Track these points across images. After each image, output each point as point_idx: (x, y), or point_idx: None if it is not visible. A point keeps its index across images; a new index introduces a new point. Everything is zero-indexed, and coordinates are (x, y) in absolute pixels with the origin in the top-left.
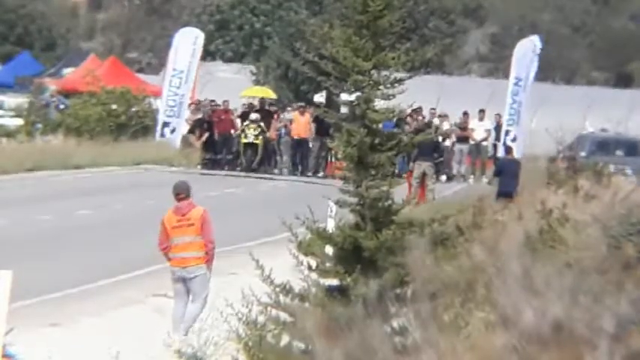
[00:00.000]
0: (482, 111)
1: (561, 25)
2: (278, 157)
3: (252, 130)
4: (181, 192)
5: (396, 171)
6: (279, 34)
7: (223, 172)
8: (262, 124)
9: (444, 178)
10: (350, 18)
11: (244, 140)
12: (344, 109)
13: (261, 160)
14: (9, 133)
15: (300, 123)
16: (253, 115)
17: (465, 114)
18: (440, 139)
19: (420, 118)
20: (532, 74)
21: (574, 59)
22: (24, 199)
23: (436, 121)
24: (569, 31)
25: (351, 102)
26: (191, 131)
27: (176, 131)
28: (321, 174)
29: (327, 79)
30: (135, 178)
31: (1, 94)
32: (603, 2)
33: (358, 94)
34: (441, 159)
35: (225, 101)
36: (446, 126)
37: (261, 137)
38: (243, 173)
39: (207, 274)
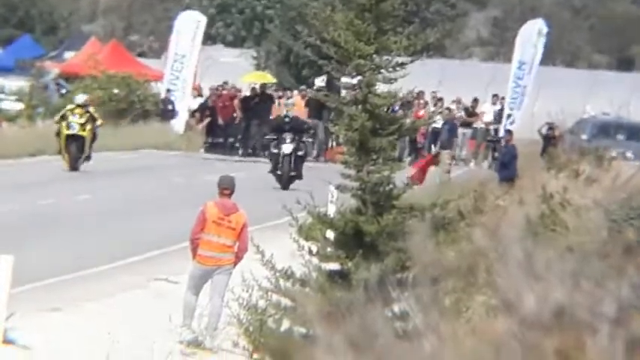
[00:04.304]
0: (495, 95)
1: (562, 7)
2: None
3: (77, 117)
4: (227, 187)
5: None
6: (281, 18)
7: (225, 157)
8: (91, 109)
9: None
10: (352, 1)
11: (67, 131)
12: (345, 93)
13: (88, 156)
14: (10, 118)
15: (301, 107)
16: (80, 98)
17: (475, 100)
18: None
19: (422, 101)
20: (538, 58)
21: (575, 42)
22: (25, 184)
23: (452, 106)
24: (570, 13)
25: (353, 86)
26: (192, 115)
27: (177, 115)
28: (321, 158)
29: (329, 62)
30: (136, 163)
31: (2, 78)
32: None
33: (360, 78)
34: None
35: (232, 87)
36: (458, 111)
37: (89, 127)
38: (246, 158)
39: (232, 272)
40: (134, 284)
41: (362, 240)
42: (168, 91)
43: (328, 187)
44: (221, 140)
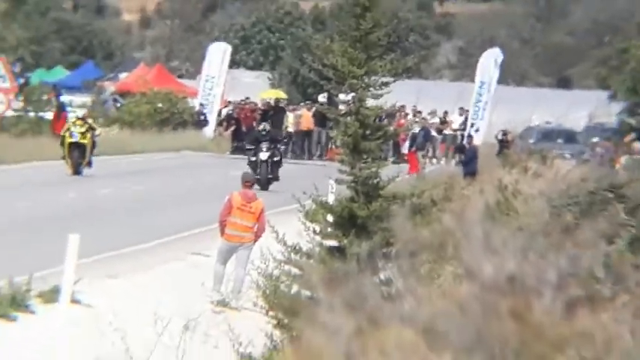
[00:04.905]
0: (461, 108)
1: (513, 39)
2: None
3: (78, 127)
4: (248, 180)
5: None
6: (290, 47)
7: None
8: (90, 120)
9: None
10: (346, 34)
11: (70, 140)
12: (342, 107)
13: (89, 162)
14: None
15: (307, 118)
16: (80, 112)
17: (446, 112)
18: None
19: (403, 114)
20: (495, 79)
21: (523, 66)
22: (89, 178)
23: (428, 116)
24: (519, 43)
25: (348, 101)
26: (220, 124)
27: (209, 124)
28: (323, 158)
29: (329, 82)
30: (175, 162)
31: (70, 95)
32: (546, 21)
33: (353, 94)
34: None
35: (252, 102)
36: (433, 120)
37: (88, 135)
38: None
39: (252, 248)
40: (175, 257)
41: (355, 222)
42: (202, 105)
43: (329, 180)
44: (243, 144)
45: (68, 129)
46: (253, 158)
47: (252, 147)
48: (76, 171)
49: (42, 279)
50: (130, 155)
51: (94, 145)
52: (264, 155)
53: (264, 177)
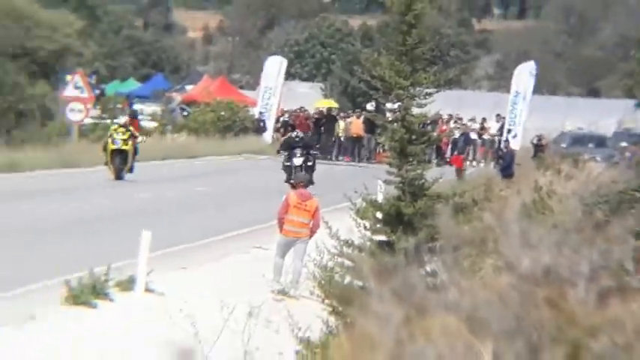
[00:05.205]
0: (498, 115)
1: (547, 53)
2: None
3: (120, 134)
4: (302, 181)
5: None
6: (341, 61)
7: None
8: (131, 128)
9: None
10: (393, 49)
11: (112, 147)
12: (389, 114)
13: (130, 168)
14: (147, 133)
15: (357, 125)
16: (122, 119)
17: (484, 119)
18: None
19: (445, 120)
20: (530, 89)
21: (556, 77)
22: (158, 180)
23: (468, 123)
24: (552, 56)
25: (394, 109)
26: (277, 130)
27: (267, 130)
28: (372, 161)
29: (377, 92)
30: (237, 164)
31: (141, 104)
32: (577, 37)
33: (399, 103)
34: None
35: (306, 110)
36: (473, 126)
37: (130, 142)
38: (325, 160)
39: (308, 242)
40: (238, 250)
41: (402, 219)
42: (261, 113)
43: (377, 181)
44: None
45: (111, 136)
46: (287, 163)
47: (286, 153)
48: (118, 176)
49: (118, 270)
50: (194, 159)
51: (135, 151)
52: (297, 160)
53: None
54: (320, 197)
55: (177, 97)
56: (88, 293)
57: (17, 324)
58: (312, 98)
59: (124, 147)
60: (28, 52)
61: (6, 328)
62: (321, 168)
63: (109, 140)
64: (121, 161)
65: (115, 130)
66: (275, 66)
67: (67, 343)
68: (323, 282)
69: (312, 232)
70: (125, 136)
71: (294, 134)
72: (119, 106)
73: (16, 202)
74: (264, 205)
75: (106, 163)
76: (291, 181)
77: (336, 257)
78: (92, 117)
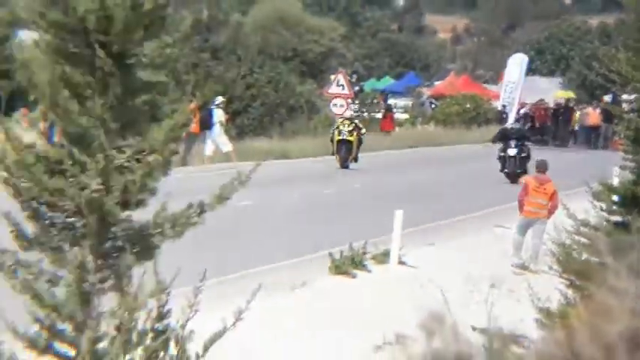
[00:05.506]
0: None
1: None
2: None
3: (346, 126)
4: (540, 167)
5: None
6: (579, 57)
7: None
8: (357, 121)
9: None
10: (629, 46)
11: (338, 137)
12: (625, 105)
13: (355, 157)
14: (400, 123)
15: (593, 115)
16: (347, 113)
17: None
18: None
19: None
20: None
21: None
22: (406, 165)
23: None
24: None
25: (630, 100)
26: (518, 121)
27: (508, 121)
28: (608, 149)
29: (614, 85)
30: (480, 152)
31: (395, 99)
32: None
33: (636, 95)
34: None
35: (545, 102)
36: None
37: (355, 134)
38: (554, 147)
39: (547, 222)
40: (482, 229)
41: (637, 202)
42: (503, 106)
43: (613, 167)
44: (538, 136)
45: (337, 127)
46: (502, 154)
47: (502, 143)
48: (343, 165)
49: (374, 245)
50: (441, 147)
51: (360, 142)
52: (512, 151)
53: (512, 171)
54: (558, 182)
55: (426, 92)
56: (348, 264)
57: (291, 288)
58: (551, 91)
59: (349, 138)
60: (298, 54)
61: (282, 291)
62: (559, 155)
63: (336, 132)
64: (346, 151)
65: (342, 122)
66: (517, 62)
67: (331, 304)
68: (561, 258)
69: (550, 213)
70: (350, 128)
71: (509, 126)
72: (375, 100)
73: (288, 186)
74: (504, 188)
75: (332, 153)
76: (505, 171)
77: (573, 236)
78: (352, 111)
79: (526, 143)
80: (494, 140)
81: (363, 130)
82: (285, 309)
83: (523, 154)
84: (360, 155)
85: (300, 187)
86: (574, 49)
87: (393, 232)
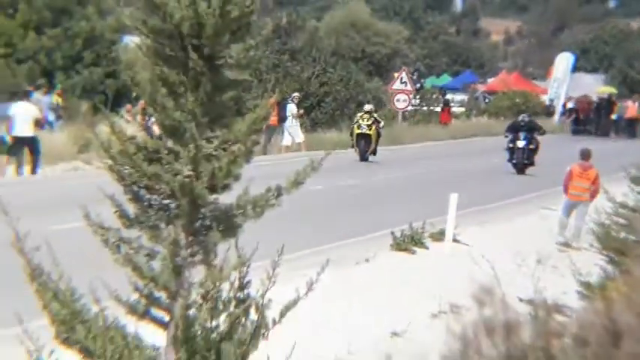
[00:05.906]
0: None
1: None
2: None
3: (365, 120)
4: (584, 155)
5: None
6: (622, 56)
7: (583, 137)
8: (375, 115)
9: None
10: None
11: (358, 131)
12: None
13: (374, 150)
14: (456, 116)
15: (632, 109)
16: (367, 107)
17: None
18: None
19: None
20: None
21: None
22: (463, 153)
23: None
24: None
25: None
26: (563, 114)
27: (555, 114)
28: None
29: None
30: None
31: (452, 94)
32: None
33: None
34: None
35: (588, 97)
36: None
37: (374, 127)
38: (596, 137)
39: (589, 205)
40: (528, 211)
41: None
42: (551, 100)
43: None
44: (581, 127)
45: (357, 121)
46: (511, 145)
47: (511, 135)
48: (362, 158)
49: (431, 224)
50: (494, 137)
51: (379, 135)
52: (520, 143)
53: (520, 162)
54: (599, 168)
55: (481, 88)
56: (408, 242)
57: (356, 264)
58: (595, 87)
59: (368, 132)
60: (366, 55)
61: (346, 267)
62: (600, 144)
63: (355, 126)
64: (365, 144)
65: (361, 116)
66: (564, 60)
67: (393, 277)
68: (601, 237)
69: (593, 197)
70: (369, 122)
71: (519, 118)
72: (434, 96)
73: (353, 173)
74: (551, 170)
75: (352, 146)
76: (513, 162)
77: (612, 217)
78: (413, 105)
79: (535, 135)
80: (506, 134)
81: (382, 124)
82: (351, 281)
83: (531, 146)
84: (409, 146)
85: (363, 174)
86: (617, 49)
87: (448, 213)
